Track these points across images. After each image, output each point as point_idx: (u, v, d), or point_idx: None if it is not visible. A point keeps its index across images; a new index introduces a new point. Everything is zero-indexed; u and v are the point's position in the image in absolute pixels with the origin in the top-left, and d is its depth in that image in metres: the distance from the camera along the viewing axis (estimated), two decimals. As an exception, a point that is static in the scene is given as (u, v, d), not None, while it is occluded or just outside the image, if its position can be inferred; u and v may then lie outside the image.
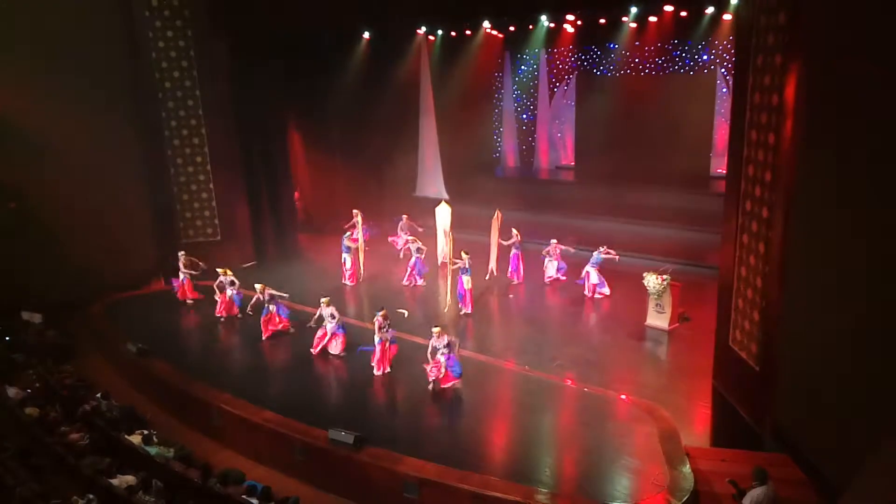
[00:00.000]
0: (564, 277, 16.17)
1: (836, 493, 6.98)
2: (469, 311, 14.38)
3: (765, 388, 9.40)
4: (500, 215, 16.21)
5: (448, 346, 10.88)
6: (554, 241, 16.26)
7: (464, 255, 14.25)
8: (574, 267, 15.95)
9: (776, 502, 7.44)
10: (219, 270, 14.89)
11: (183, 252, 15.92)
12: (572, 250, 16.31)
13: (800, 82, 8.24)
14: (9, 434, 9.74)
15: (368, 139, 21.50)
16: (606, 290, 15.31)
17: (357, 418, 10.23)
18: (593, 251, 15.27)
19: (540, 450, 9.51)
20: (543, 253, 16.35)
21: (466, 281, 14.29)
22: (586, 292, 15.26)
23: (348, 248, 16.73)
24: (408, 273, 16.63)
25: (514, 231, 16.09)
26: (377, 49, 20.88)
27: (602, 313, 14.82)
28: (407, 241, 17.51)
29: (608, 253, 15.19)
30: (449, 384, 10.89)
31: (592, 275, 15.21)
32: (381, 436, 9.70)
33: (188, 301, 15.64)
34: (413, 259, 16.61)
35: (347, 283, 16.83)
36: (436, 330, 10.98)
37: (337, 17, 17.85)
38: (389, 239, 18.57)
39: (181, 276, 15.67)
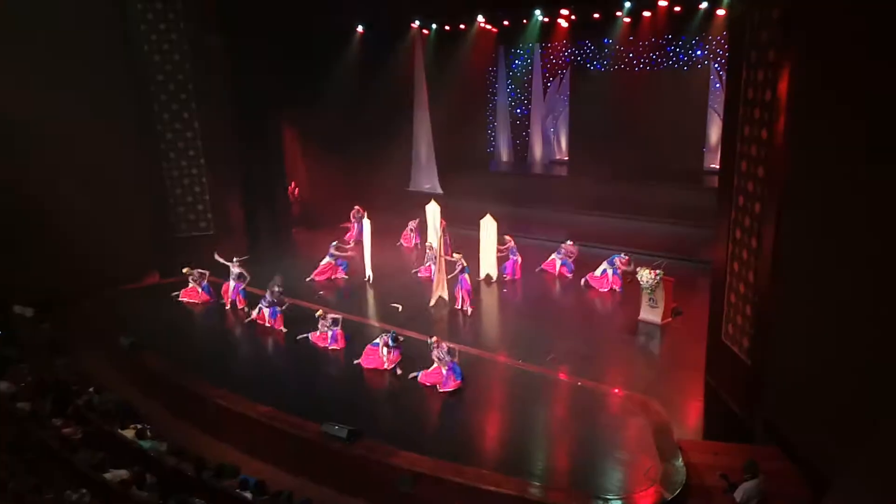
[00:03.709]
0: (570, 275, 16.17)
1: (827, 485, 7.04)
2: (469, 310, 14.17)
3: (756, 382, 9.46)
4: (491, 218, 16.07)
5: (449, 353, 10.88)
6: (569, 241, 16.36)
7: (455, 255, 14.14)
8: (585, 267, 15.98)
9: (767, 495, 7.52)
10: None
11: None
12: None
13: (792, 78, 8.27)
14: (1, 428, 9.70)
15: (362, 133, 21.44)
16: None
17: (351, 412, 10.22)
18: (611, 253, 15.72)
19: (533, 443, 9.56)
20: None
21: (467, 279, 14.17)
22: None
23: (332, 256, 16.54)
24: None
25: (507, 237, 16.03)
26: (371, 43, 20.82)
27: (595, 308, 14.86)
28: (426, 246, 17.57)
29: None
30: (449, 389, 10.82)
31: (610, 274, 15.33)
32: (374, 429, 9.71)
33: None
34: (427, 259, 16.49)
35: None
36: (432, 340, 10.96)
37: (331, 11, 17.77)
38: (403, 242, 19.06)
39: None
